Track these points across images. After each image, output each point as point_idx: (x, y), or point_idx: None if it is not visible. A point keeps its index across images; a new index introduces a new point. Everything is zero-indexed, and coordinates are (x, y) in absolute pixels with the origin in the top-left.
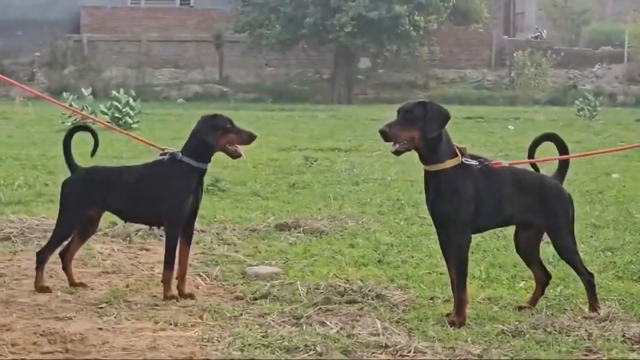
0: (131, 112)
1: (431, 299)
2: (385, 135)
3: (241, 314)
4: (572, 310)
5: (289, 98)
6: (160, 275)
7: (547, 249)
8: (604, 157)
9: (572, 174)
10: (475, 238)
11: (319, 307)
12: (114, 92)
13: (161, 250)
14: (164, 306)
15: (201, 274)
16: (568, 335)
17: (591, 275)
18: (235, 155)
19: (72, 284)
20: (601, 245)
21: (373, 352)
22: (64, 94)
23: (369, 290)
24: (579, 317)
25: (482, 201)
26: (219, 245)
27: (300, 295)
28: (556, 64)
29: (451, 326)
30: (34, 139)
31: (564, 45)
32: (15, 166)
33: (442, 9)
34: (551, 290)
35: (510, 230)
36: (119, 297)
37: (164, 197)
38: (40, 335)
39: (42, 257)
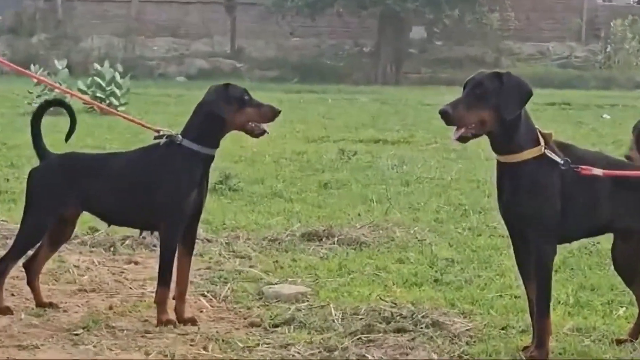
0: (117, 91)
1: (503, 328)
2: (447, 116)
3: (257, 345)
4: None
5: (320, 77)
6: (153, 295)
7: None
8: None
9: None
10: (561, 252)
11: (357, 336)
12: (96, 66)
13: (154, 263)
14: (158, 333)
15: (206, 293)
16: None
17: None
18: (258, 133)
19: (40, 304)
20: None
21: None
22: (32, 67)
23: (422, 317)
24: None
25: (571, 201)
26: (229, 258)
27: (334, 321)
28: None
29: None
30: None
31: None
32: None
33: None
34: None
35: (606, 241)
36: (100, 321)
37: (159, 192)
38: None
39: (0, 270)
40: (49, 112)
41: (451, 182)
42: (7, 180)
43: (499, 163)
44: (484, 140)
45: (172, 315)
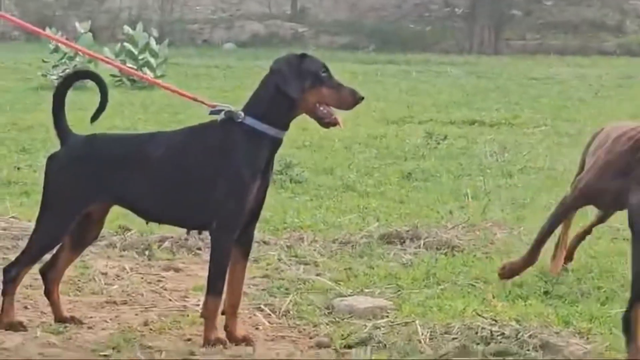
0: (152, 61)
1: None
2: None
3: None
4: None
5: (401, 44)
6: (198, 308)
7: None
8: None
9: None
10: None
11: None
12: (127, 29)
13: (198, 269)
14: (205, 355)
15: (263, 307)
16: None
17: None
18: (330, 122)
19: (60, 318)
20: None
21: None
22: (47, 31)
23: (529, 336)
24: None
25: None
26: (290, 264)
27: (420, 342)
28: None
29: None
30: None
31: None
32: None
33: None
34: None
35: None
36: (133, 340)
37: (213, 182)
38: None
39: (12, 277)
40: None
41: (564, 173)
42: (18, 168)
43: None
44: (604, 123)
45: (222, 334)
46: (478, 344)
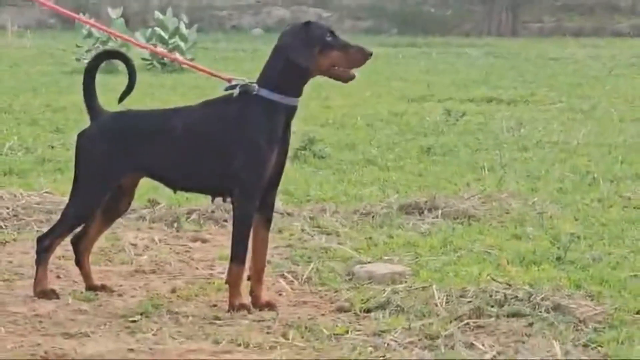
0: (182, 45)
1: (638, 312)
2: None
3: (346, 332)
4: None
5: (422, 27)
6: (224, 276)
7: None
8: None
9: None
10: None
11: (464, 322)
12: (158, 15)
13: (225, 240)
14: (229, 320)
15: (286, 274)
16: None
17: None
18: (347, 77)
19: (91, 286)
20: None
21: None
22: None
23: (542, 299)
24: None
25: None
26: (313, 234)
27: (436, 305)
28: None
29: None
30: (33, 83)
31: None
32: (5, 121)
33: None
34: None
35: None
36: (161, 306)
37: (233, 151)
38: (41, 358)
39: (45, 246)
40: (101, 69)
41: (578, 146)
42: (52, 147)
43: None
44: (617, 99)
45: (246, 299)
46: (492, 306)
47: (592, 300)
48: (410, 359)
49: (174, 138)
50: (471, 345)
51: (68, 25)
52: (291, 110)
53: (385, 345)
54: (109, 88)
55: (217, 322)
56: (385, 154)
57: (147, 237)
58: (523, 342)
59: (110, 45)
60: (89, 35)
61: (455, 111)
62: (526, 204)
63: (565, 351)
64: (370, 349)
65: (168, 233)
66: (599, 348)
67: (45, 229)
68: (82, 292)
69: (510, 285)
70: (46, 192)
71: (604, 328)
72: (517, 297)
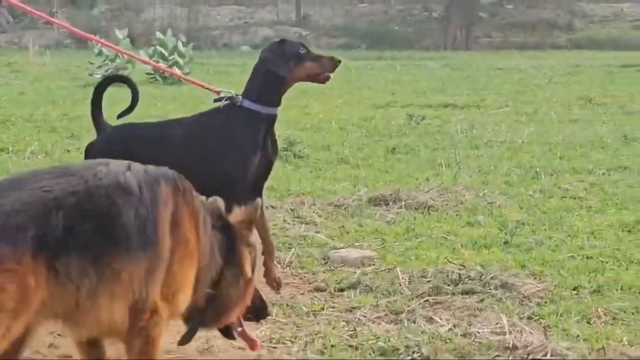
0: (180, 61)
1: (574, 289)
2: None
3: (322, 309)
4: None
5: (388, 43)
6: None
7: None
8: None
9: None
10: None
11: (425, 299)
12: (159, 35)
13: None
14: None
15: None
16: None
17: None
18: (323, 78)
19: None
20: None
21: (497, 355)
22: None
23: (491, 278)
24: None
25: None
26: (294, 224)
27: (400, 284)
28: None
29: None
30: (52, 95)
31: None
32: (28, 129)
33: None
34: None
35: None
36: None
37: (221, 157)
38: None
39: None
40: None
41: (522, 145)
42: (68, 151)
43: None
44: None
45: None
46: (448, 285)
47: (535, 278)
48: (377, 332)
49: (170, 146)
50: (430, 319)
51: (82, 45)
52: (271, 119)
53: (356, 320)
54: (117, 100)
55: None
56: (356, 153)
57: None
58: (475, 316)
59: (118, 62)
60: (100, 53)
61: (416, 116)
62: (478, 195)
63: (512, 323)
64: (343, 323)
65: None
66: (541, 320)
67: None
68: None
69: (464, 266)
70: None
71: (545, 303)
72: (470, 276)
